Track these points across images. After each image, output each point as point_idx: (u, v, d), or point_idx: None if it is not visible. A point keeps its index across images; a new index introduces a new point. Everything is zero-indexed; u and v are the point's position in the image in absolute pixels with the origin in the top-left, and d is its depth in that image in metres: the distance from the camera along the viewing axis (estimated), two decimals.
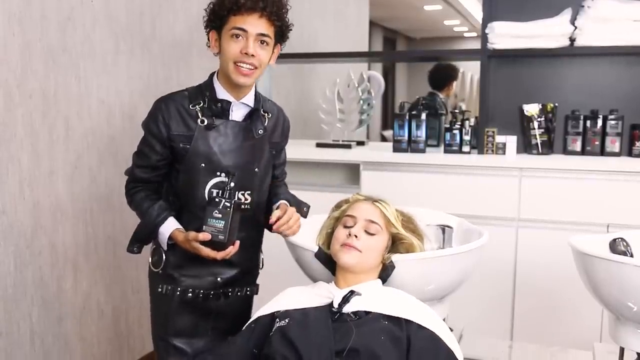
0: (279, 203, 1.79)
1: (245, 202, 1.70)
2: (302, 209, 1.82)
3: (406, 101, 2.89)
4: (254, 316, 1.58)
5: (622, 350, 1.81)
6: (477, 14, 4.18)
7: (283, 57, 3.29)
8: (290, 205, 1.77)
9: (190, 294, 1.70)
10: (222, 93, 1.67)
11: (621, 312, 1.65)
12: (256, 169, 1.71)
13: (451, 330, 1.53)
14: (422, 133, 2.76)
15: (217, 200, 1.58)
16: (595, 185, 2.43)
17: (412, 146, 2.78)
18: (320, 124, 3.15)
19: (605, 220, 2.41)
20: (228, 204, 1.56)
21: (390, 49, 5.95)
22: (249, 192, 1.71)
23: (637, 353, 1.73)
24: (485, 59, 2.69)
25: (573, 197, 2.45)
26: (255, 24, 1.59)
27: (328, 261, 1.64)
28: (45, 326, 2.18)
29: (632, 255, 1.75)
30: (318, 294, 1.55)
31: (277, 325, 1.48)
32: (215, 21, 1.63)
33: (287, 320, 1.47)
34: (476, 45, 2.76)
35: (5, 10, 1.95)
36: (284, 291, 1.62)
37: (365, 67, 4.38)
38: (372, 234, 1.58)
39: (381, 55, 4.79)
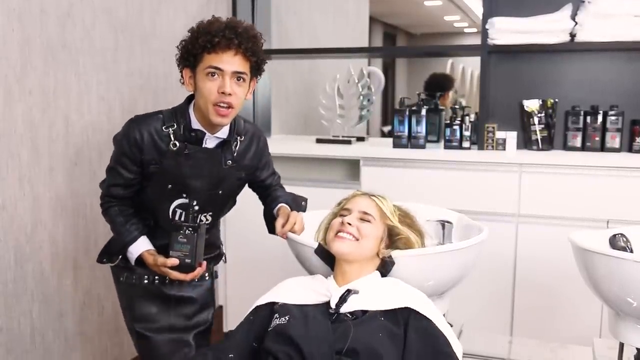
0: (277, 207, 1.84)
1: (207, 222, 1.77)
2: (301, 203, 1.89)
3: (406, 97, 2.88)
4: (252, 306, 1.59)
5: (621, 345, 1.81)
6: (478, 9, 4.18)
7: (283, 52, 3.31)
8: (289, 205, 1.82)
9: (146, 281, 1.77)
10: (196, 124, 1.67)
11: (621, 308, 1.65)
12: (220, 192, 1.75)
13: (451, 325, 1.53)
14: (422, 129, 2.76)
15: (181, 225, 1.64)
16: (595, 181, 2.43)
17: (412, 142, 2.78)
18: (320, 120, 3.15)
19: (605, 216, 2.40)
20: (192, 229, 1.63)
21: (390, 45, 5.94)
22: (210, 213, 1.78)
23: (637, 349, 1.74)
24: (486, 54, 2.69)
25: (573, 192, 2.45)
26: (231, 62, 1.57)
27: (327, 257, 1.65)
28: (46, 322, 2.19)
29: (632, 251, 1.75)
30: (316, 291, 1.56)
31: (277, 322, 1.48)
32: (189, 59, 1.61)
33: (287, 318, 1.48)
34: (476, 40, 2.75)
35: (4, 6, 1.95)
36: (282, 282, 1.63)
37: (365, 62, 4.37)
38: (365, 222, 1.60)
39: (381, 51, 4.78)
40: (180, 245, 1.63)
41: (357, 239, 1.57)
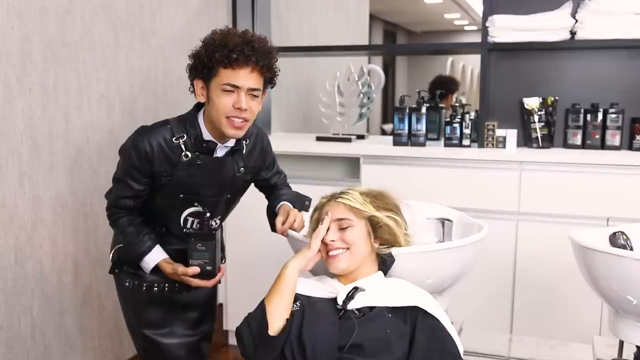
0: (279, 205, 1.85)
1: (217, 226, 1.78)
2: (304, 203, 1.89)
3: (406, 94, 2.88)
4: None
5: (621, 343, 1.81)
6: (478, 7, 4.17)
7: (283, 50, 3.30)
8: (292, 203, 1.83)
9: (156, 289, 1.77)
10: (207, 135, 1.66)
11: (621, 306, 1.65)
12: (228, 196, 1.77)
13: (451, 323, 1.53)
14: (422, 126, 2.76)
15: (197, 233, 1.66)
16: (595, 179, 2.43)
17: (412, 140, 2.77)
18: (321, 118, 3.15)
19: (605, 213, 2.40)
20: (209, 235, 1.64)
21: (390, 43, 5.93)
22: (219, 217, 1.80)
23: (637, 346, 1.74)
24: (486, 52, 2.69)
25: (573, 190, 2.45)
26: (247, 78, 1.57)
27: None
28: (46, 320, 2.19)
29: (632, 249, 1.75)
30: (324, 288, 1.57)
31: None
32: (203, 71, 1.59)
33: (297, 304, 1.50)
34: (477, 38, 2.75)
35: (4, 3, 1.94)
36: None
37: (366, 60, 4.37)
38: (346, 228, 1.57)
39: (381, 49, 4.77)
40: (200, 254, 1.64)
41: (348, 248, 1.55)
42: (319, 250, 1.60)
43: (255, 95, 1.60)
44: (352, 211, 1.59)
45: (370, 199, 1.63)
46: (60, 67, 2.17)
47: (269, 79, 1.65)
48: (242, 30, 1.62)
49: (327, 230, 1.57)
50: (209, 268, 1.65)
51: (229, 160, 1.70)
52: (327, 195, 1.69)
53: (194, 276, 1.65)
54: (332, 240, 1.55)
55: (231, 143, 1.70)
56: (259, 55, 1.56)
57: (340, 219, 1.58)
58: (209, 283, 1.68)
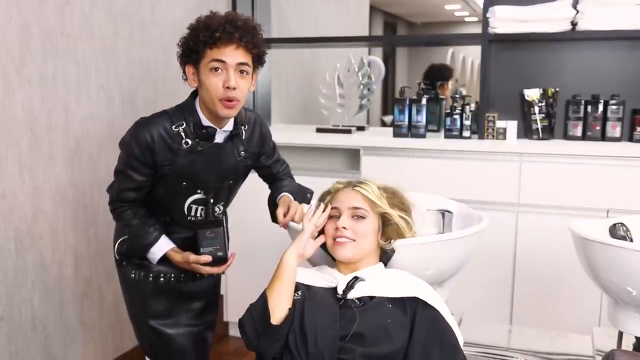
0: (280, 197, 1.85)
1: (220, 213, 1.79)
2: (306, 195, 1.90)
3: (407, 86, 2.88)
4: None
5: (620, 334, 1.82)
6: None
7: (283, 42, 3.30)
8: (293, 195, 1.83)
9: (162, 279, 1.78)
10: (205, 121, 1.67)
11: (620, 297, 1.66)
12: (231, 182, 1.77)
13: (451, 314, 1.54)
14: (422, 118, 2.75)
15: (204, 221, 1.68)
16: (595, 171, 2.43)
17: (412, 131, 2.77)
18: (321, 109, 3.14)
19: (605, 205, 2.40)
20: (216, 222, 1.66)
21: (390, 34, 5.91)
22: (222, 203, 1.80)
23: (636, 337, 1.74)
24: (486, 43, 2.68)
25: (573, 182, 2.45)
26: (233, 55, 1.57)
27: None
28: (47, 311, 2.19)
29: (631, 240, 1.76)
30: (323, 277, 1.57)
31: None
32: (191, 55, 1.61)
33: (299, 293, 1.50)
34: (477, 29, 2.74)
35: None
36: None
37: (366, 51, 4.36)
38: (360, 218, 1.57)
39: (381, 40, 4.75)
40: (210, 241, 1.66)
41: (354, 240, 1.55)
42: (320, 234, 1.60)
43: (243, 72, 1.60)
44: (367, 203, 1.58)
45: (387, 195, 1.62)
46: (59, 58, 2.17)
47: (257, 58, 1.65)
48: (226, 12, 1.64)
49: (340, 216, 1.57)
50: (220, 254, 1.66)
51: (228, 146, 1.71)
52: (343, 181, 1.68)
53: (205, 264, 1.67)
54: (344, 228, 1.55)
55: (229, 127, 1.71)
56: (242, 31, 1.57)
57: (357, 208, 1.57)
58: (219, 269, 1.69)
